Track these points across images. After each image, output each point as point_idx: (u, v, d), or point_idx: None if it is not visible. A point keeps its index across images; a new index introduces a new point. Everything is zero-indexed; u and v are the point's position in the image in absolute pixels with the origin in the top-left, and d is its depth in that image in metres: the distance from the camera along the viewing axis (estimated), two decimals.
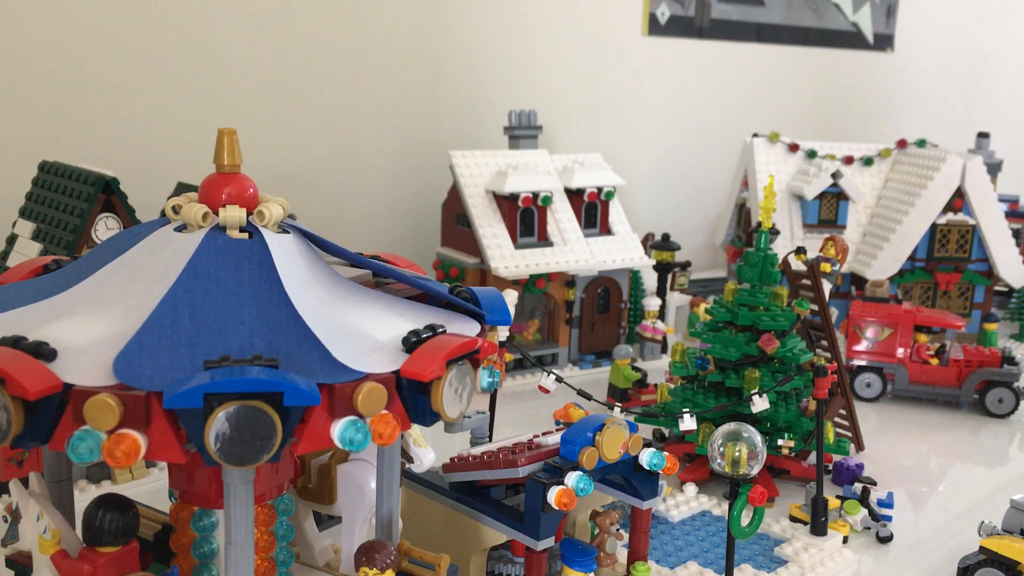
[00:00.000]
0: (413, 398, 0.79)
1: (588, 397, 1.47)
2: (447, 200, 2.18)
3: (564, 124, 2.78)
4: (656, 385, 1.83)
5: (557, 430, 1.18)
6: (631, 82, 2.94)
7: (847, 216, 2.46)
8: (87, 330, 0.79)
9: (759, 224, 1.56)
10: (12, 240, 1.55)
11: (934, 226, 2.31)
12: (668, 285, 2.45)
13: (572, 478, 1.01)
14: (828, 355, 1.66)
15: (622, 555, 1.19)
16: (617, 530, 1.18)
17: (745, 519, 1.13)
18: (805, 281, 1.68)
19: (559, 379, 1.46)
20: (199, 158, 2.07)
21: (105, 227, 1.47)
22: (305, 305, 0.83)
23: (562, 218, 2.11)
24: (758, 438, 1.09)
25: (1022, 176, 3.41)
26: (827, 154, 2.54)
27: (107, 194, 1.47)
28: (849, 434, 1.70)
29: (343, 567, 1.05)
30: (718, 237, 2.91)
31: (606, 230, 2.18)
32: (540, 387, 1.47)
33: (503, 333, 1.02)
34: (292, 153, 2.32)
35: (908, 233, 2.30)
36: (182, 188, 1.61)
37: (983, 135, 3.01)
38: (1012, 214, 2.74)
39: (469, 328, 0.90)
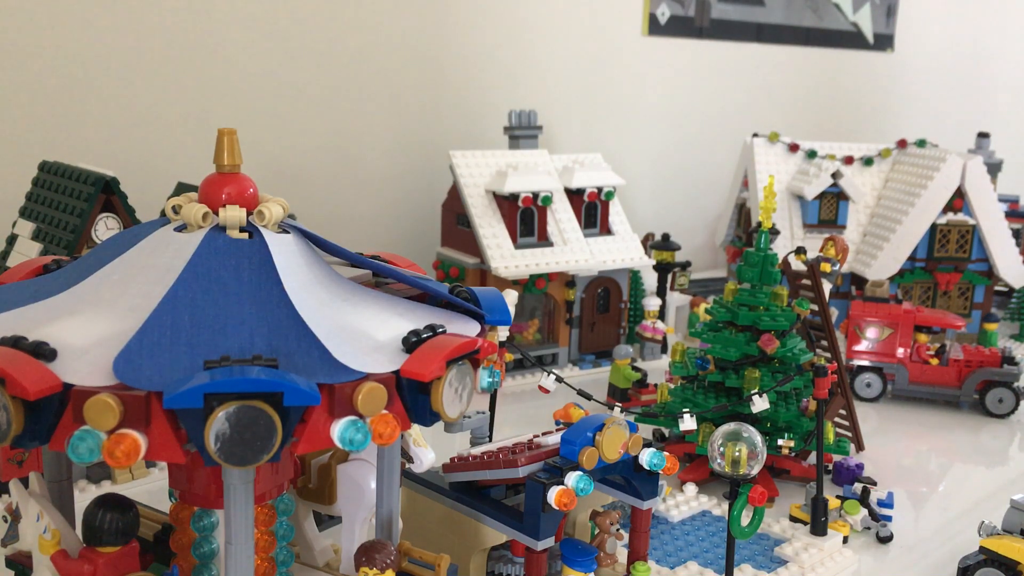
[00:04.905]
0: (413, 398, 0.79)
1: (588, 397, 1.47)
2: (447, 200, 2.18)
3: (564, 124, 2.78)
4: (656, 385, 1.83)
5: (557, 430, 1.18)
6: (631, 82, 2.94)
7: (847, 216, 2.46)
8: (87, 330, 0.79)
9: (759, 224, 1.56)
10: (12, 240, 1.55)
11: (934, 226, 2.31)
12: (668, 285, 2.45)
13: (572, 478, 1.01)
14: (828, 355, 1.66)
15: (622, 555, 1.19)
16: (617, 530, 1.17)
17: (745, 519, 1.13)
18: (805, 281, 1.68)
19: (559, 379, 1.46)
20: (199, 158, 2.07)
21: (105, 227, 1.47)
22: (305, 305, 0.83)
23: (562, 218, 2.11)
24: (758, 438, 1.09)
25: (1022, 176, 3.41)
26: (827, 154, 2.54)
27: (107, 194, 1.47)
28: (849, 434, 1.70)
29: (343, 567, 1.05)
30: (718, 237, 2.91)
31: (606, 230, 2.18)
32: (540, 387, 1.47)
33: (503, 333, 1.02)
34: (292, 153, 2.32)
35: (908, 233, 2.30)
36: (182, 188, 1.60)
37: (983, 135, 3.01)
38: (1012, 214, 2.74)
39: (469, 328, 0.90)
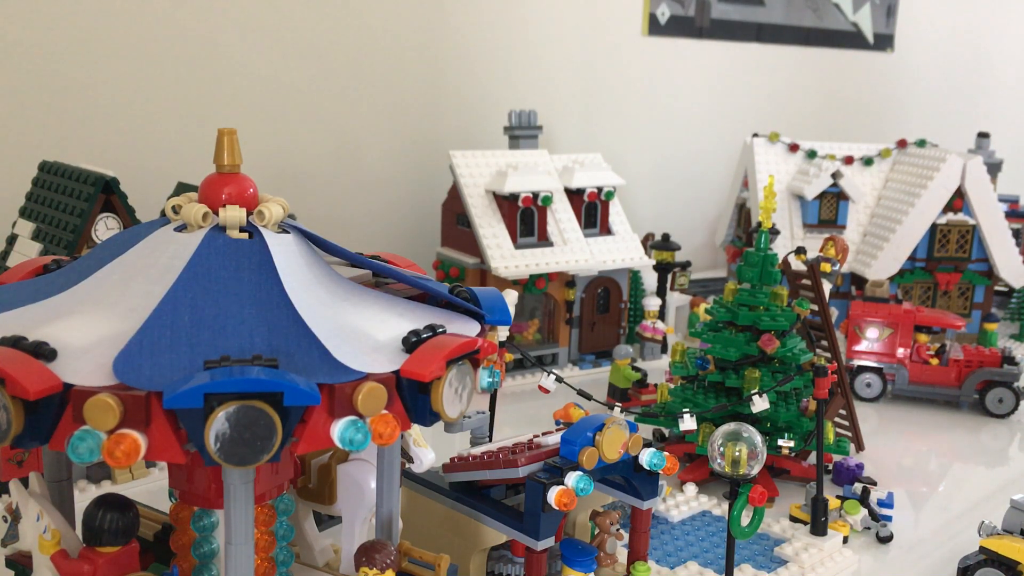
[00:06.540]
0: (413, 398, 0.79)
1: (588, 397, 1.47)
2: (447, 200, 2.18)
3: (564, 124, 2.78)
4: (656, 385, 1.83)
5: (557, 430, 1.18)
6: (631, 82, 2.94)
7: (847, 216, 2.46)
8: (87, 330, 0.79)
9: (759, 224, 1.56)
10: (12, 240, 1.55)
11: (934, 226, 2.31)
12: (668, 285, 2.45)
13: (572, 478, 1.01)
14: (828, 355, 1.66)
15: (622, 555, 1.19)
16: (617, 530, 1.18)
17: (745, 519, 1.13)
18: (805, 281, 1.68)
19: (559, 379, 1.46)
20: (199, 158, 2.06)
21: (105, 227, 1.47)
22: (305, 305, 0.83)
23: (562, 218, 2.11)
24: (758, 438, 1.09)
25: (1022, 176, 3.41)
26: (827, 154, 2.54)
27: (107, 194, 1.47)
28: (849, 434, 1.70)
29: (343, 567, 1.05)
30: (718, 237, 2.91)
31: (606, 230, 2.18)
32: (540, 387, 1.47)
33: (503, 333, 1.02)
34: (292, 153, 2.31)
35: (908, 233, 2.30)
36: (182, 188, 1.60)
37: (983, 135, 3.01)
38: (1012, 214, 2.74)
39: (469, 328, 0.90)
